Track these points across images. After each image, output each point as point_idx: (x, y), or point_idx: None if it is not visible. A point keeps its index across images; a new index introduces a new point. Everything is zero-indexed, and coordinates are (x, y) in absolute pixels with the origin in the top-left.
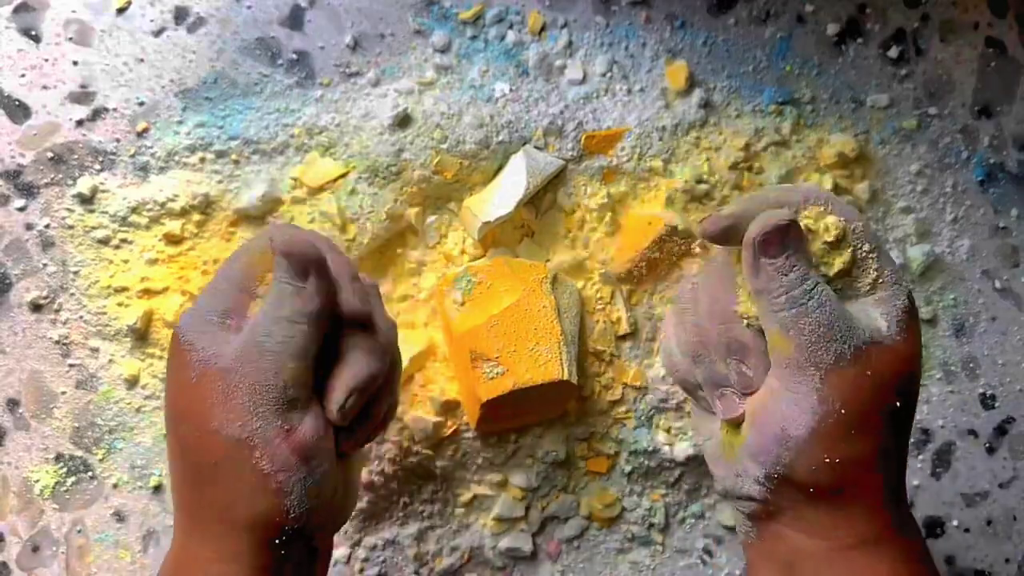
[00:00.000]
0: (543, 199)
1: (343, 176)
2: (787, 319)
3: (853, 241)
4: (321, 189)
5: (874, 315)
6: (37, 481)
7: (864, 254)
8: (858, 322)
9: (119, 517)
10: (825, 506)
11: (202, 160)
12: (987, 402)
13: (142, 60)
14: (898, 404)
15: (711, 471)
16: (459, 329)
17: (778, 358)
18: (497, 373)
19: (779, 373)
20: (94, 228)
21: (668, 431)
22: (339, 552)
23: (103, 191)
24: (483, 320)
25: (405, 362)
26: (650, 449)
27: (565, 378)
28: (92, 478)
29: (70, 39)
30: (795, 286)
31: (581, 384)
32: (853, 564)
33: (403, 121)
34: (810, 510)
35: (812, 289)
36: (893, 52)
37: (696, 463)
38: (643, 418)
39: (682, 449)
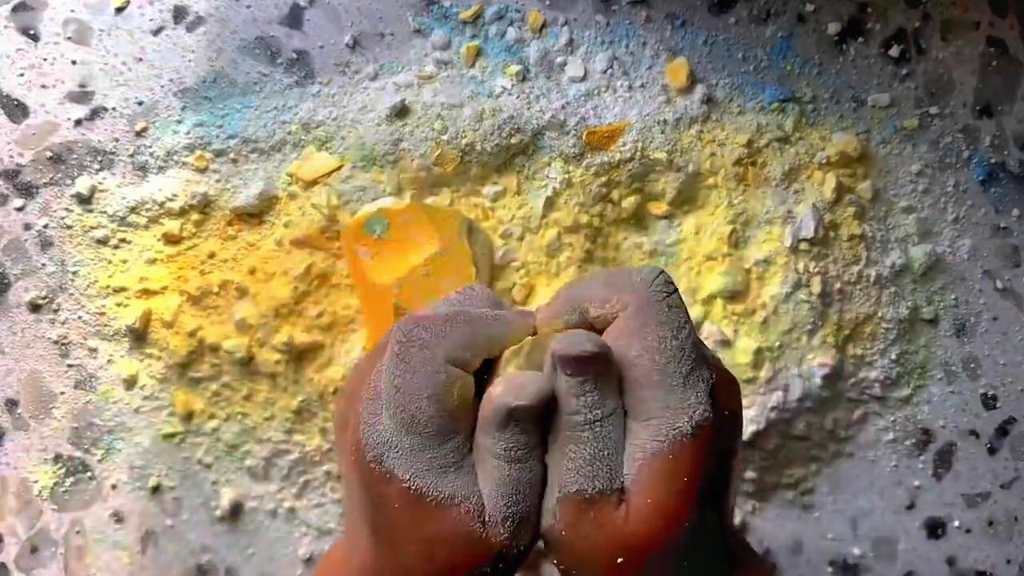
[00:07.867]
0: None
1: (338, 169)
2: (565, 442)
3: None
4: (315, 182)
5: (630, 451)
6: (36, 482)
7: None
8: (621, 465)
9: (118, 518)
10: None
11: (201, 159)
12: (988, 402)
13: (141, 59)
14: (620, 560)
15: None
16: (378, 279)
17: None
18: None
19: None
20: (93, 228)
21: None
22: None
23: (102, 191)
24: (405, 271)
25: None
26: None
27: None
28: (91, 479)
29: (69, 38)
30: (582, 411)
31: None
32: None
33: (401, 112)
34: None
35: (598, 420)
36: (894, 51)
37: None
38: None
39: None
